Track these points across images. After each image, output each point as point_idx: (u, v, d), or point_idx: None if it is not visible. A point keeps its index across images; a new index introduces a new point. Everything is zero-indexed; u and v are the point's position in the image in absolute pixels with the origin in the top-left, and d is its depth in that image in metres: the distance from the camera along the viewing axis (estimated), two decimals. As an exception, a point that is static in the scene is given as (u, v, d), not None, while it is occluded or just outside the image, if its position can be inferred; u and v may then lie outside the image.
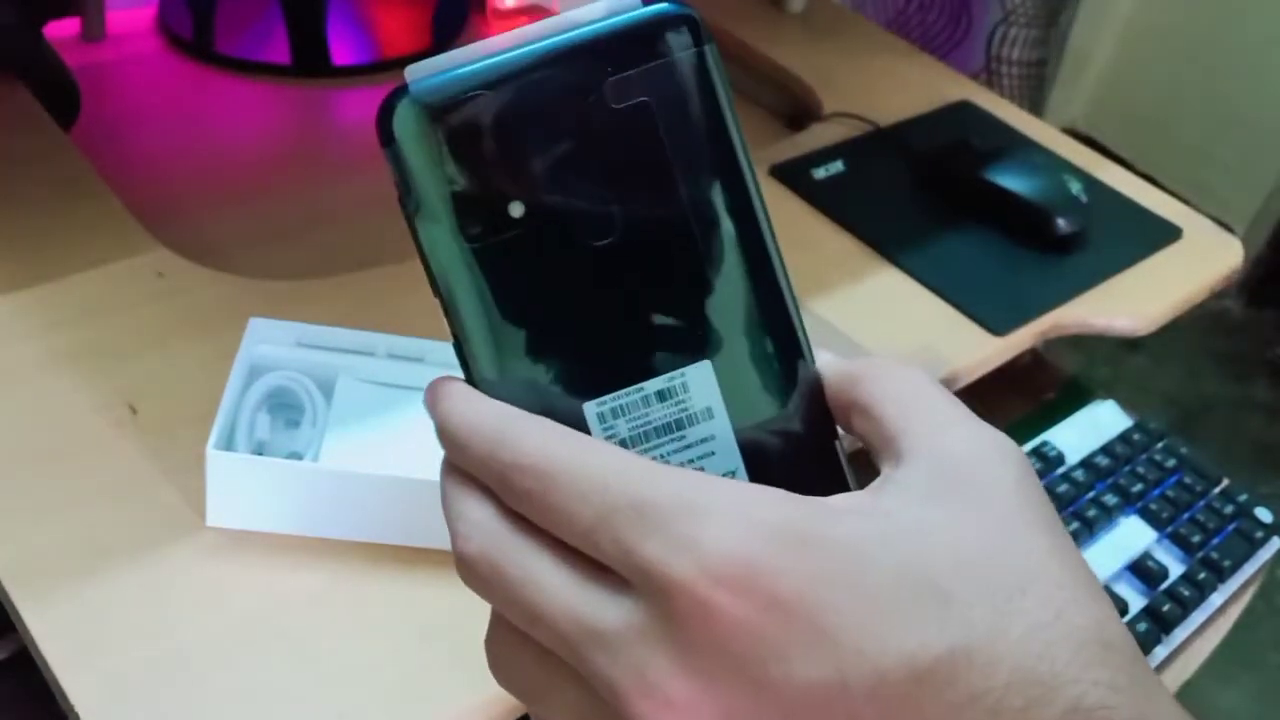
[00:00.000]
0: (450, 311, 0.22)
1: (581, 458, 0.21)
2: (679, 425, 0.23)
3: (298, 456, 0.45)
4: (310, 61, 0.77)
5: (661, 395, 0.23)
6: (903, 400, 0.23)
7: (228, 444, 0.44)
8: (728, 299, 0.23)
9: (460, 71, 0.21)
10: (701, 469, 0.23)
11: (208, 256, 0.56)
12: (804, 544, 0.20)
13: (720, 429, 0.23)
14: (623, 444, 0.23)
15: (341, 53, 0.79)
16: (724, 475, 0.23)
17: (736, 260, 0.23)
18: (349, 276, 0.55)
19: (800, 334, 0.23)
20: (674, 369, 0.22)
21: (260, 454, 0.44)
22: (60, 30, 0.74)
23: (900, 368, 0.23)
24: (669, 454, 0.23)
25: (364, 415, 0.46)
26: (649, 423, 0.23)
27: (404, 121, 0.21)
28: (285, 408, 0.47)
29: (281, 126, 0.74)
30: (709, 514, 0.20)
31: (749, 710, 0.19)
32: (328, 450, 0.45)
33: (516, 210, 0.22)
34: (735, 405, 0.23)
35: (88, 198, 0.58)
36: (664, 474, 0.20)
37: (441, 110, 0.21)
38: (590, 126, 0.22)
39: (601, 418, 0.22)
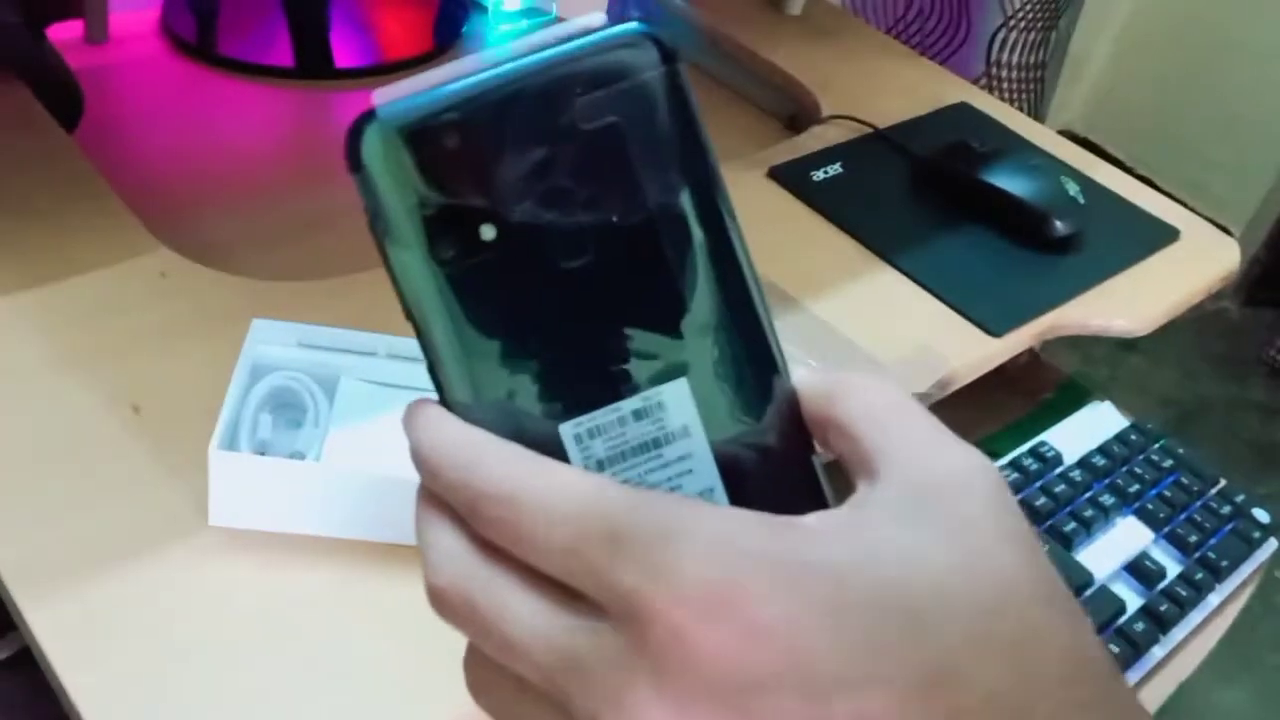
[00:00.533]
0: (423, 335, 0.22)
1: (553, 484, 0.21)
2: (656, 444, 0.23)
3: (300, 456, 0.45)
4: (313, 64, 0.78)
5: (638, 414, 0.22)
6: (878, 418, 0.23)
7: (231, 444, 0.44)
8: (702, 317, 0.22)
9: (428, 95, 0.21)
10: (679, 487, 0.23)
11: (210, 257, 0.56)
12: (782, 571, 0.19)
13: (697, 447, 0.23)
14: (600, 464, 0.23)
15: (344, 55, 0.79)
16: (701, 493, 0.23)
17: (710, 278, 0.22)
18: (351, 278, 0.55)
19: (775, 351, 0.23)
20: (650, 388, 0.22)
21: (263, 454, 0.45)
22: (63, 32, 0.74)
23: (876, 384, 0.23)
24: (646, 473, 0.23)
25: (366, 415, 0.47)
26: (626, 442, 0.22)
27: (372, 146, 0.21)
28: (288, 408, 0.47)
29: (284, 128, 0.75)
30: (685, 540, 0.19)
31: None
32: (330, 450, 0.45)
33: (488, 233, 0.22)
34: (712, 423, 0.23)
35: (91, 199, 0.58)
36: (639, 499, 0.20)
37: (409, 134, 0.21)
38: (561, 148, 0.22)
39: (578, 439, 0.22)
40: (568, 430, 0.22)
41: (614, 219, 0.22)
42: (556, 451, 0.22)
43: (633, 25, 0.22)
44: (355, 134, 0.21)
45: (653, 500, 0.20)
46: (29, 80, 0.64)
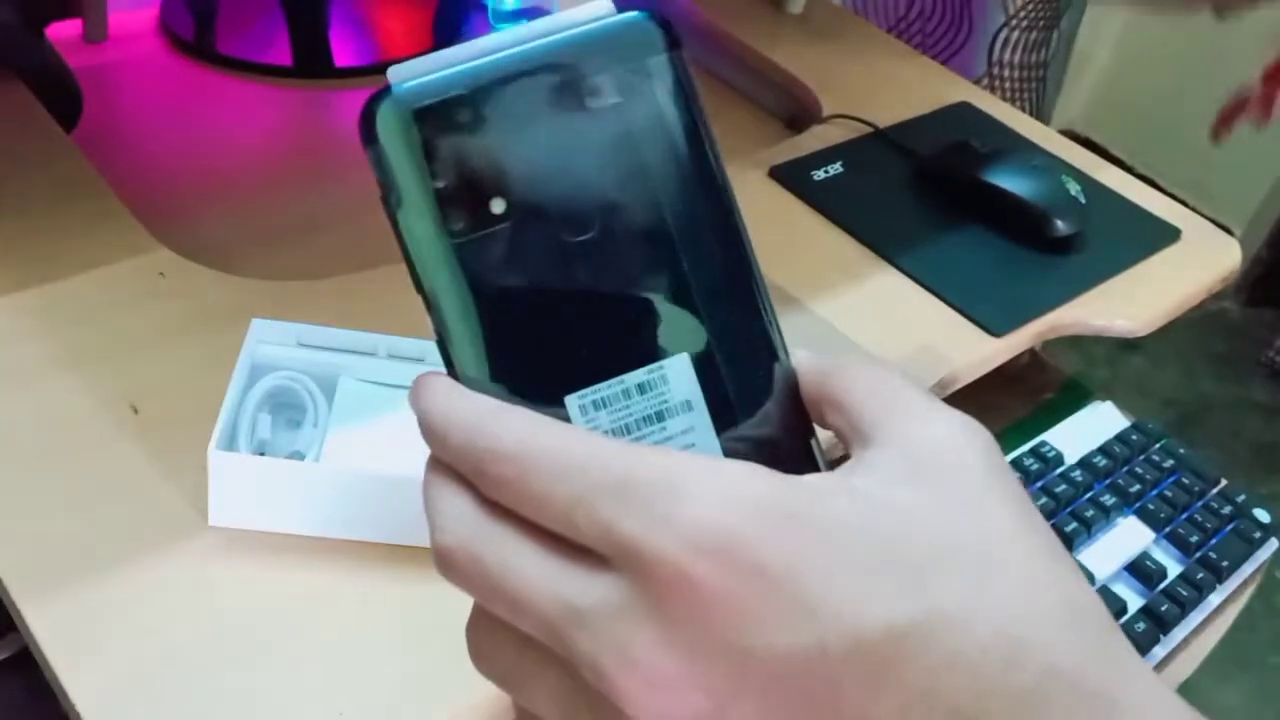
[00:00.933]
0: (433, 307, 0.23)
1: (558, 441, 0.21)
2: (660, 417, 0.23)
3: (299, 456, 0.45)
4: (312, 63, 0.78)
5: (642, 388, 0.23)
6: (872, 392, 0.23)
7: (230, 444, 0.44)
8: (703, 294, 0.23)
9: (441, 74, 0.22)
10: None
11: (209, 257, 0.56)
12: (782, 516, 0.20)
13: (700, 421, 0.23)
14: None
15: (343, 54, 0.79)
16: None
17: (711, 256, 0.23)
18: (350, 277, 0.55)
19: (775, 331, 0.24)
20: (653, 362, 0.23)
21: (262, 454, 0.45)
22: (62, 31, 0.74)
23: (869, 362, 0.24)
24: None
25: (365, 415, 0.47)
26: (630, 414, 0.23)
27: (386, 122, 0.22)
28: (287, 407, 0.47)
29: (283, 128, 0.74)
30: (688, 489, 0.20)
31: (732, 679, 0.20)
32: (329, 450, 0.45)
33: (498, 207, 0.22)
34: (714, 399, 0.23)
35: (89, 198, 0.58)
36: (642, 453, 0.21)
37: (423, 111, 0.22)
38: (569, 127, 0.22)
39: (583, 410, 0.23)
40: (573, 402, 0.23)
41: (620, 197, 0.23)
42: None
43: (639, 13, 0.23)
44: (370, 110, 0.22)
45: (655, 453, 0.21)
46: (28, 79, 0.64)
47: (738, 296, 0.23)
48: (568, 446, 0.21)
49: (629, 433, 0.23)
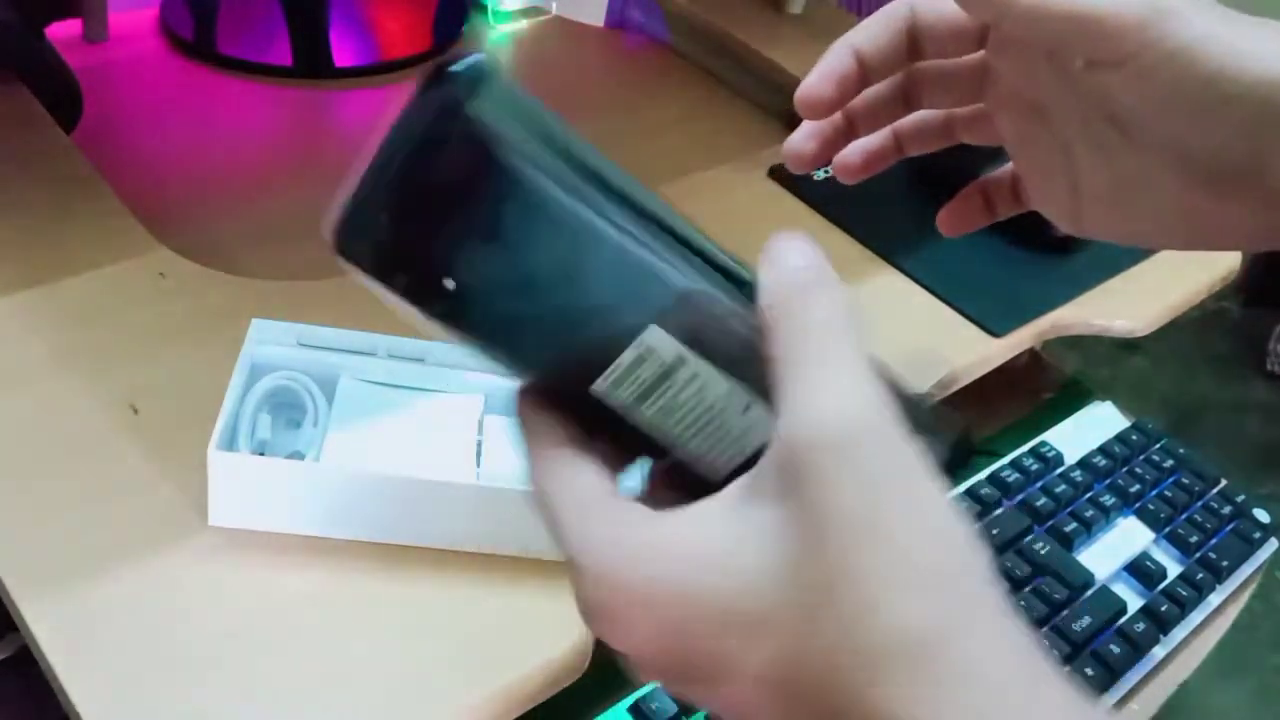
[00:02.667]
0: (473, 356, 0.27)
1: (555, 499, 0.27)
2: (665, 376, 0.26)
3: (299, 456, 0.45)
4: (311, 63, 0.78)
5: (637, 361, 0.26)
6: (790, 345, 0.25)
7: (230, 444, 0.44)
8: (636, 266, 0.25)
9: (353, 199, 0.25)
10: (703, 399, 0.26)
11: (209, 257, 0.56)
12: (629, 594, 0.25)
13: (701, 368, 0.26)
14: (637, 400, 0.26)
15: (343, 54, 0.79)
16: (722, 395, 0.26)
17: (626, 235, 0.25)
18: (350, 277, 0.55)
19: (732, 265, 0.26)
20: (635, 339, 0.26)
21: (262, 454, 0.45)
22: (62, 31, 0.74)
23: (800, 297, 0.26)
24: (673, 397, 0.26)
25: (365, 415, 0.47)
26: (643, 382, 0.26)
27: (342, 249, 0.25)
28: (287, 407, 0.47)
29: (283, 128, 0.75)
30: (578, 572, 0.26)
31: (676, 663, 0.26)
32: (329, 450, 0.45)
33: (450, 284, 0.25)
34: (700, 346, 0.26)
35: (89, 198, 0.58)
36: (580, 538, 0.26)
37: (355, 235, 0.25)
38: (453, 201, 0.24)
39: (607, 392, 0.26)
40: (598, 387, 0.26)
41: (532, 233, 0.25)
42: (599, 405, 0.26)
43: (429, 78, 0.24)
44: (331, 245, 0.25)
45: (576, 533, 0.26)
46: (28, 80, 0.64)
47: (680, 255, 0.26)
48: (558, 506, 0.27)
49: (649, 395, 0.26)
